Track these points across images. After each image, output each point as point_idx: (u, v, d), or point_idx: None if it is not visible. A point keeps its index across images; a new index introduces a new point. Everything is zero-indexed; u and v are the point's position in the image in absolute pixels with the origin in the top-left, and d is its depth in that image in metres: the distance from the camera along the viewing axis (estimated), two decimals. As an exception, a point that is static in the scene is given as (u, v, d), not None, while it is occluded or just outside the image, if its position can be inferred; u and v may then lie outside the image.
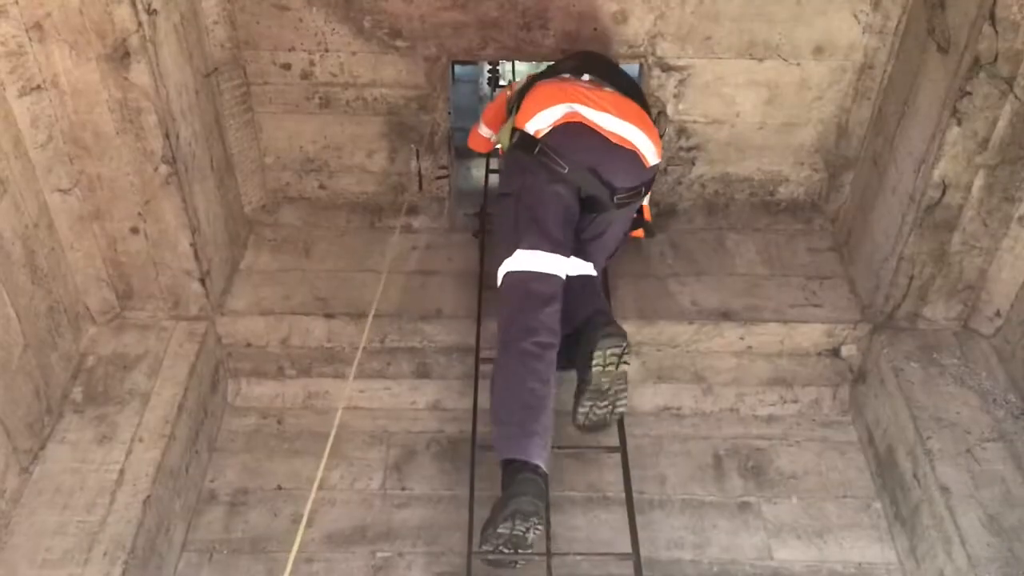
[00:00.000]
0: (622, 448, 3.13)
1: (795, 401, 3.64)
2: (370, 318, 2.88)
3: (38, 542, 2.73)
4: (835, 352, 3.61)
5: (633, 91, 3.26)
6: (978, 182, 3.08)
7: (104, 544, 2.73)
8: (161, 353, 3.32)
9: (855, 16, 3.46)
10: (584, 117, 3.00)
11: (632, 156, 3.03)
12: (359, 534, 3.18)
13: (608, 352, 2.83)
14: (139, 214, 3.14)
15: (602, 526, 3.20)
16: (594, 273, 3.18)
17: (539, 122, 3.04)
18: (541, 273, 2.92)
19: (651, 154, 3.08)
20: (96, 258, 3.24)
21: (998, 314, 3.38)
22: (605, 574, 3.04)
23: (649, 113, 3.21)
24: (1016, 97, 2.86)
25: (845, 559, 3.13)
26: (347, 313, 3.52)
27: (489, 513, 2.79)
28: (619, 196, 3.06)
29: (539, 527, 2.76)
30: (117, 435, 3.03)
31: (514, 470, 2.77)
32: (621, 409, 3.02)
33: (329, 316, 3.51)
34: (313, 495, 2.29)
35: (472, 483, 3.05)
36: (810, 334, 3.55)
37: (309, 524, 3.17)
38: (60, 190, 3.04)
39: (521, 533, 2.75)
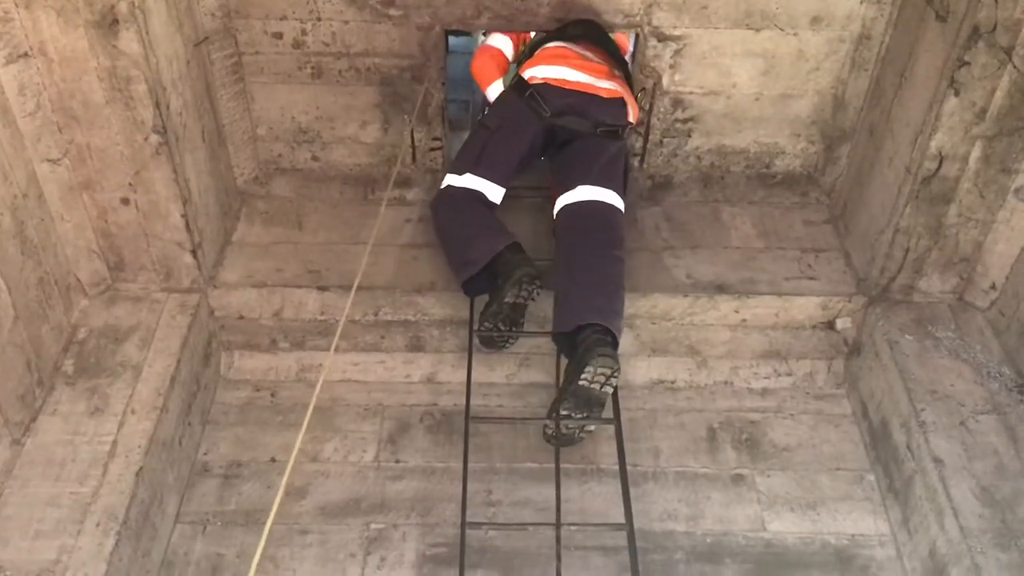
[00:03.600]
0: (616, 420, 3.13)
1: (789, 374, 3.64)
2: (354, 289, 2.86)
3: (30, 513, 2.72)
4: (830, 325, 3.60)
5: (621, 63, 3.74)
6: (975, 153, 3.06)
7: (97, 515, 2.73)
8: (153, 325, 3.30)
9: (853, -15, 3.43)
10: (578, 81, 3.53)
11: (620, 102, 3.57)
12: (353, 506, 3.18)
13: (598, 370, 3.01)
14: (129, 184, 3.11)
15: (596, 498, 3.21)
16: (599, 197, 3.40)
17: (537, 72, 3.58)
18: (474, 190, 3.51)
19: (631, 108, 3.61)
20: (87, 229, 3.21)
21: (993, 287, 3.37)
22: (599, 545, 3.05)
23: (631, 82, 3.72)
24: (1015, 67, 2.84)
25: (838, 531, 3.15)
26: (340, 285, 3.49)
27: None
28: (601, 128, 3.54)
29: (539, 291, 3.28)
30: (109, 407, 3.02)
31: (505, 262, 3.27)
32: (591, 428, 3.23)
33: (322, 289, 3.50)
34: (291, 463, 2.26)
35: (465, 455, 3.06)
36: (805, 307, 3.55)
37: (302, 496, 3.19)
38: (49, 160, 3.00)
39: (524, 299, 3.29)
